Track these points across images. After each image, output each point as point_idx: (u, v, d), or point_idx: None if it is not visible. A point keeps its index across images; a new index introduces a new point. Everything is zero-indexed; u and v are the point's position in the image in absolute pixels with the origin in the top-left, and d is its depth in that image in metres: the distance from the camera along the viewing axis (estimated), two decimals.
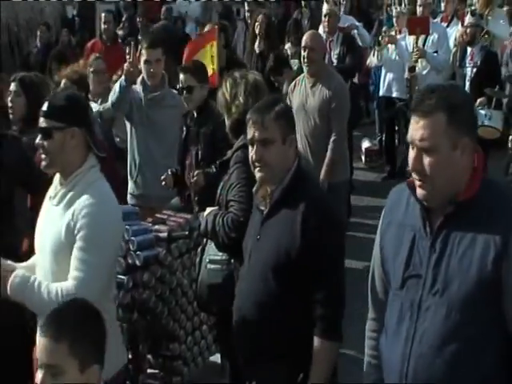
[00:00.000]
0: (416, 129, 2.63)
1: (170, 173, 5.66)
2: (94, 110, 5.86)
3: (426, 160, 2.61)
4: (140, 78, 6.35)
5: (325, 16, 8.83)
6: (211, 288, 4.20)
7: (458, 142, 2.61)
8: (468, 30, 8.37)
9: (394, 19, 9.82)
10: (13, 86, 5.49)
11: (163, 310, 4.57)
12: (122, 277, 4.40)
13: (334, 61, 8.63)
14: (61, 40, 13.55)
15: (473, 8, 9.95)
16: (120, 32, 12.69)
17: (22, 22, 15.59)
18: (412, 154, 2.66)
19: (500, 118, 8.03)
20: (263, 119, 3.41)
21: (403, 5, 9.94)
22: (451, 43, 9.27)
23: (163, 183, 5.65)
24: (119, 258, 4.27)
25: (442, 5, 10.29)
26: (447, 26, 9.81)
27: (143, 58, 6.27)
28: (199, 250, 4.43)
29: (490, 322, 2.61)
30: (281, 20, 12.94)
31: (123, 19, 13.87)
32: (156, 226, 4.74)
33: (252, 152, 3.45)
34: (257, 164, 3.44)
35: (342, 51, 8.69)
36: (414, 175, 2.68)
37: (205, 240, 4.35)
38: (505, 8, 10.31)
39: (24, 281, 3.38)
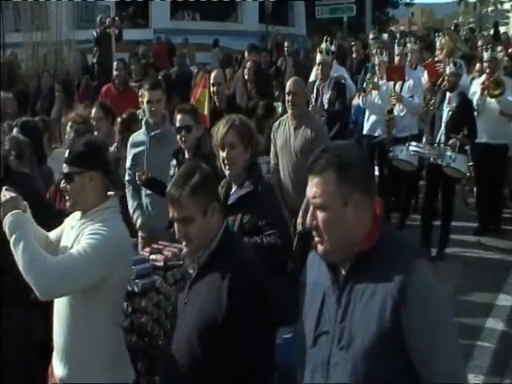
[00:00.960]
0: (310, 187, 2.51)
1: None
2: None
3: (320, 216, 2.49)
4: (144, 119, 6.36)
5: (318, 64, 8.89)
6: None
7: (348, 199, 2.46)
8: (450, 78, 8.34)
9: (376, 67, 9.80)
10: (14, 131, 5.63)
11: (160, 333, 4.46)
12: None
13: (325, 104, 8.63)
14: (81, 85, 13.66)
15: (437, 58, 10.08)
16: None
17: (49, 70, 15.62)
18: (310, 211, 2.53)
19: (463, 161, 8.10)
20: (179, 198, 3.12)
21: (384, 54, 9.94)
22: None
23: None
24: None
25: (409, 55, 10.24)
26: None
27: (145, 99, 6.28)
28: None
29: (401, 369, 2.40)
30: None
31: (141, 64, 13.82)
32: (153, 256, 4.68)
33: (175, 229, 3.20)
34: (182, 240, 3.20)
35: (333, 96, 8.70)
36: (313, 232, 2.54)
37: None
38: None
39: (24, 222, 3.38)
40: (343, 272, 2.52)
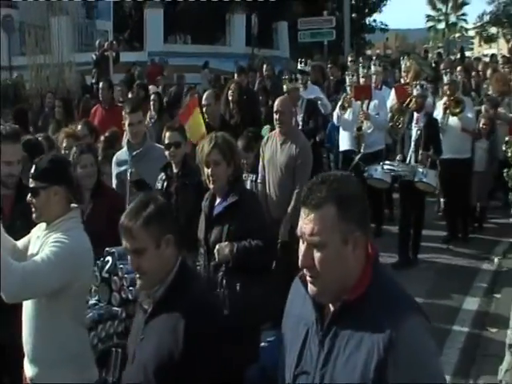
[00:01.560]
0: (306, 223, 2.11)
1: None
2: None
3: (317, 255, 2.10)
4: (125, 139, 6.34)
5: (286, 93, 8.70)
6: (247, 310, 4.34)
7: (348, 237, 2.10)
8: (417, 100, 8.35)
9: (348, 88, 9.77)
10: None
11: None
12: (117, 308, 4.27)
13: (300, 123, 8.61)
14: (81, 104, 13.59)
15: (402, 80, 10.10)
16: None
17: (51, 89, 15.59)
18: (302, 248, 2.14)
19: (434, 175, 8.15)
20: (131, 228, 2.84)
21: (354, 76, 9.95)
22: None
23: None
24: (115, 293, 4.17)
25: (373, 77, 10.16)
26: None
27: (127, 122, 6.19)
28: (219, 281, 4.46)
29: None
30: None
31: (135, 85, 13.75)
32: None
33: (130, 261, 2.99)
34: (136, 272, 2.95)
35: (305, 116, 8.70)
36: (304, 271, 2.16)
37: (220, 273, 4.44)
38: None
39: None
40: (329, 314, 2.17)
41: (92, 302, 4.24)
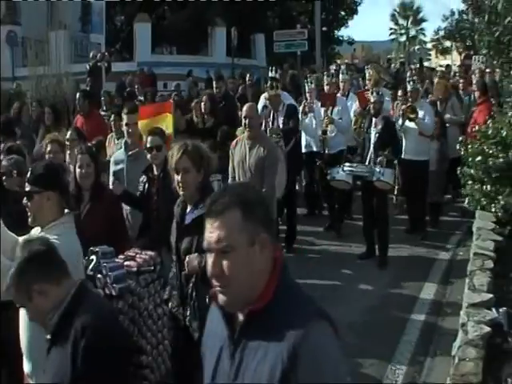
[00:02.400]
0: (211, 231, 1.94)
1: None
2: None
3: (225, 262, 1.91)
4: (123, 140, 6.28)
5: (267, 100, 8.75)
6: None
7: (255, 237, 1.93)
8: (375, 106, 8.18)
9: (307, 94, 9.56)
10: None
11: (134, 330, 4.26)
12: None
13: (281, 125, 8.52)
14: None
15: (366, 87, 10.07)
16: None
17: (49, 98, 15.40)
18: (210, 259, 1.95)
19: (391, 174, 7.95)
20: (12, 280, 2.71)
21: (313, 84, 9.79)
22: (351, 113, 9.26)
23: None
24: (99, 290, 4.03)
25: (341, 84, 10.11)
26: (346, 99, 9.71)
27: (124, 122, 6.22)
28: (189, 292, 4.11)
29: None
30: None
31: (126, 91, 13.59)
32: (127, 262, 4.45)
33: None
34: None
35: (286, 118, 8.59)
36: (214, 282, 1.97)
37: (190, 285, 4.06)
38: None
39: None
40: (238, 326, 1.98)
41: None
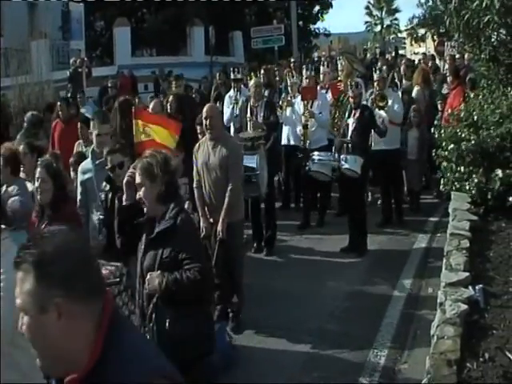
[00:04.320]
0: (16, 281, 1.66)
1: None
2: (29, 189, 5.03)
3: (24, 324, 1.62)
4: (90, 149, 5.91)
5: (253, 87, 8.52)
6: (177, 345, 3.56)
7: (48, 304, 1.58)
8: (355, 100, 8.06)
9: (289, 88, 9.52)
10: None
11: None
12: None
13: (260, 119, 8.33)
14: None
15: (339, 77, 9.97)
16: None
17: (32, 104, 15.27)
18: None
19: (354, 161, 7.75)
20: None
21: (294, 77, 9.70)
22: None
23: None
24: None
25: (321, 76, 10.09)
26: (326, 93, 9.60)
27: (95, 132, 5.85)
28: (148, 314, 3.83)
29: None
30: None
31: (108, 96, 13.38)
32: None
33: None
34: None
35: (266, 113, 8.39)
36: None
37: (151, 305, 3.76)
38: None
39: None
40: None
41: None
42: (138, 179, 3.92)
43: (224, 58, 24.48)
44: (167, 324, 3.70)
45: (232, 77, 9.85)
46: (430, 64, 14.67)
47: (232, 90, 9.86)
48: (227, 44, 27.38)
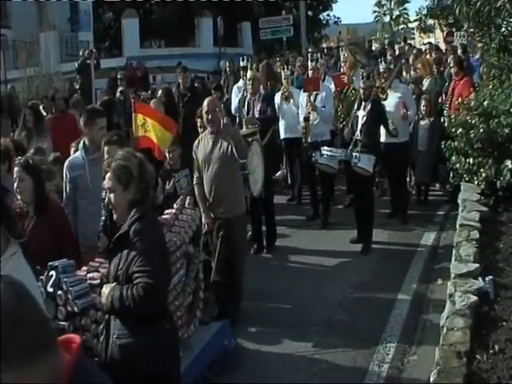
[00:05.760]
0: None
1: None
2: None
3: None
4: (81, 143, 5.60)
5: (249, 80, 8.35)
6: (126, 364, 3.30)
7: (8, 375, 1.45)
8: (365, 92, 7.90)
9: (284, 81, 9.26)
10: None
11: (97, 346, 3.75)
12: (64, 323, 3.71)
13: (257, 114, 8.16)
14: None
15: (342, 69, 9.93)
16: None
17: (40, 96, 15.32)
18: None
19: (367, 160, 7.57)
20: None
21: (287, 69, 9.56)
22: None
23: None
24: (60, 308, 3.70)
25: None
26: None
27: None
28: (100, 328, 3.59)
29: None
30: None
31: (119, 90, 13.31)
32: (90, 274, 4.02)
33: None
34: None
35: (263, 107, 8.23)
36: None
37: (107, 317, 3.48)
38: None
39: None
40: None
41: None
42: (108, 183, 3.47)
43: (232, 49, 24.43)
44: (115, 340, 3.40)
45: (241, 64, 9.69)
46: (433, 54, 14.54)
47: (241, 80, 9.73)
48: (236, 35, 27.29)
